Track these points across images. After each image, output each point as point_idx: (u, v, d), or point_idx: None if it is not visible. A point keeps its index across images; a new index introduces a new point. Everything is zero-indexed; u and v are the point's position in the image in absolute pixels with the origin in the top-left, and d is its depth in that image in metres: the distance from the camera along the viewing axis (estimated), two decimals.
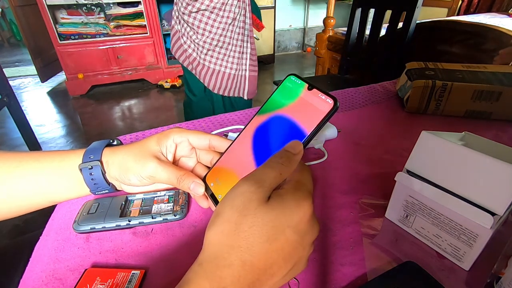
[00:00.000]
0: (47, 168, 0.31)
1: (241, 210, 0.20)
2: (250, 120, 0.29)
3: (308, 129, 0.24)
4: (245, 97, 1.36)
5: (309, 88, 0.25)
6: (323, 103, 0.24)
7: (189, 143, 0.33)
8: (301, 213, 0.21)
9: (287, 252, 0.20)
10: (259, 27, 1.39)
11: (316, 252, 0.36)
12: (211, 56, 1.25)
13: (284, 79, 0.28)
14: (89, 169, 0.31)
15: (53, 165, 0.32)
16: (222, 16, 1.15)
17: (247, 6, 1.20)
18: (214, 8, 1.13)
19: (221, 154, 0.30)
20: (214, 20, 1.16)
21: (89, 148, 0.32)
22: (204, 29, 1.18)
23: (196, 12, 1.15)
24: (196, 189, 0.29)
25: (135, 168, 0.30)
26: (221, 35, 1.19)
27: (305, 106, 0.25)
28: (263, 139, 0.27)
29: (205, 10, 1.14)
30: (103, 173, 0.31)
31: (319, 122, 0.23)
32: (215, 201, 0.28)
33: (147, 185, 0.33)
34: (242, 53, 1.27)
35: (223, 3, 1.13)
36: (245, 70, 1.30)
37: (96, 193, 0.33)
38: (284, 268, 0.21)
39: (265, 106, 0.28)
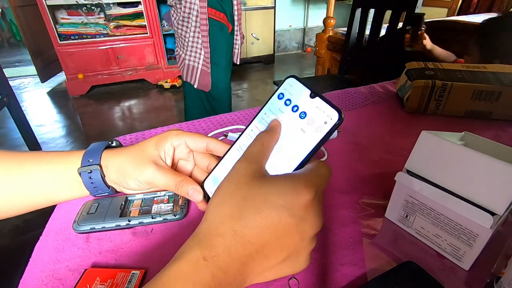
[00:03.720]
0: (46, 171, 0.31)
1: (236, 183, 0.21)
2: (249, 123, 0.28)
3: (308, 147, 0.23)
4: (195, 86, 1.45)
5: (312, 96, 0.23)
6: (325, 115, 0.23)
7: (186, 146, 0.32)
8: (296, 197, 0.20)
9: (280, 233, 0.19)
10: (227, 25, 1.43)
11: (316, 252, 0.36)
12: (181, 47, 1.41)
13: (284, 81, 0.26)
14: (88, 173, 0.31)
15: (52, 168, 0.32)
16: (179, 12, 1.31)
17: (198, 2, 1.27)
18: (175, 2, 1.29)
19: (219, 159, 0.29)
20: (175, 15, 1.34)
21: (88, 150, 0.32)
22: (173, 23, 1.38)
23: (171, 7, 1.35)
24: (195, 196, 0.29)
25: (133, 173, 0.30)
26: (181, 29, 1.35)
27: (307, 117, 0.23)
28: None
29: (171, 5, 1.33)
30: (103, 177, 0.31)
31: (320, 140, 0.22)
32: None
33: (145, 190, 0.33)
34: (197, 48, 1.39)
35: None
36: (198, 63, 1.41)
37: (96, 195, 0.33)
38: (279, 253, 0.20)
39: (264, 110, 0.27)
